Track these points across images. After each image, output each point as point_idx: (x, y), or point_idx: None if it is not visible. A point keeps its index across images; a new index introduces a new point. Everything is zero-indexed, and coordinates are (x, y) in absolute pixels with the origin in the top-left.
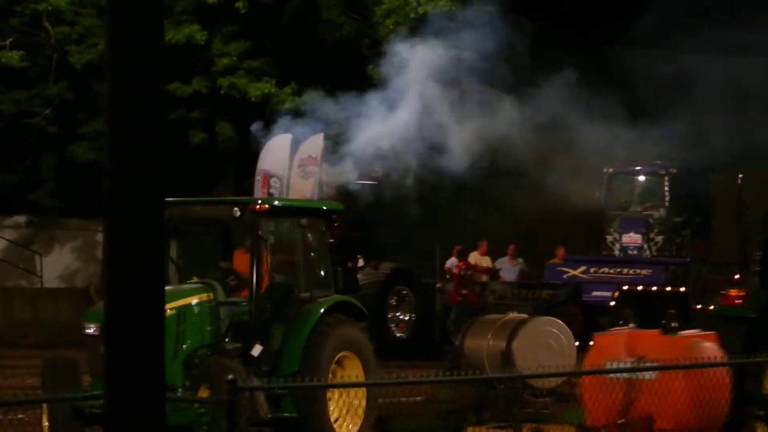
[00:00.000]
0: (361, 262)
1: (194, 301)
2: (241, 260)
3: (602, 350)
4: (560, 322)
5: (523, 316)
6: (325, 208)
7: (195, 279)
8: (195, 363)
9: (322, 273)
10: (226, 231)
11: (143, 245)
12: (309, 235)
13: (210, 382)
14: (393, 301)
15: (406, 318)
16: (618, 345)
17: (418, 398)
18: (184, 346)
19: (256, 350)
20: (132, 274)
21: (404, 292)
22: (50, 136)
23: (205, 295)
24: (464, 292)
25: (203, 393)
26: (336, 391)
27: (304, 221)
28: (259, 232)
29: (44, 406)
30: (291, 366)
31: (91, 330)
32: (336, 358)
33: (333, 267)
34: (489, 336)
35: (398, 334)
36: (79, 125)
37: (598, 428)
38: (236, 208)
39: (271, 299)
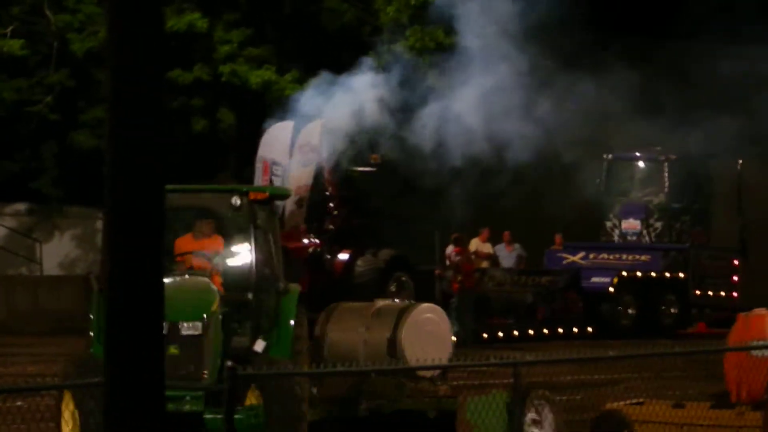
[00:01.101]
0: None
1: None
2: (191, 245)
3: (747, 329)
4: (439, 308)
5: (399, 303)
6: (282, 194)
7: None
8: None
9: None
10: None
11: (143, 233)
12: (274, 222)
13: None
14: (392, 288)
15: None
16: (763, 323)
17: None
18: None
19: (260, 345)
20: (132, 262)
21: (403, 278)
22: (51, 124)
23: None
24: (459, 278)
25: (252, 399)
26: None
27: (275, 208)
28: (258, 222)
29: (67, 395)
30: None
31: (188, 330)
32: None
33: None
34: (362, 326)
35: None
36: (80, 113)
37: (742, 405)
38: (236, 197)
39: (266, 292)
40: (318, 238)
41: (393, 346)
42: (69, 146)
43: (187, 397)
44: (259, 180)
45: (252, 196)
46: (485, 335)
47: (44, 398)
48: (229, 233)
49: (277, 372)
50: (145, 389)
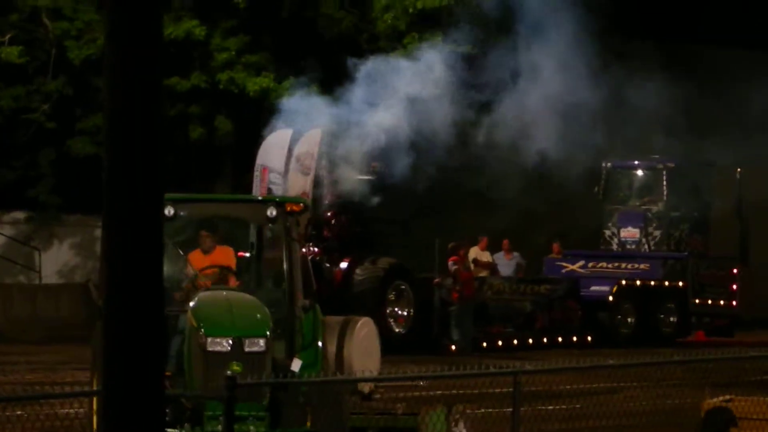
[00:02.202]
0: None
1: None
2: (196, 261)
3: None
4: (371, 320)
5: (336, 317)
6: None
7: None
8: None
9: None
10: (248, 231)
11: (142, 240)
12: (301, 236)
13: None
14: (392, 296)
15: (405, 313)
16: None
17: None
18: None
19: (296, 365)
20: (131, 270)
21: (403, 287)
22: (49, 132)
23: None
24: (458, 288)
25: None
26: None
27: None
28: (293, 235)
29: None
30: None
31: (218, 347)
32: None
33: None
34: None
35: (397, 329)
36: (78, 120)
37: None
38: (272, 208)
39: (299, 308)
40: (317, 247)
41: (340, 360)
42: (67, 154)
43: (250, 418)
44: (258, 188)
45: (288, 207)
46: (484, 344)
47: (43, 407)
48: (260, 245)
49: (282, 381)
50: (143, 398)
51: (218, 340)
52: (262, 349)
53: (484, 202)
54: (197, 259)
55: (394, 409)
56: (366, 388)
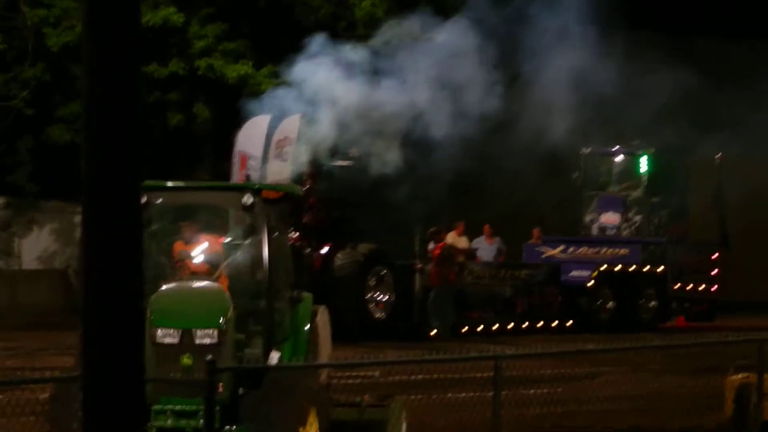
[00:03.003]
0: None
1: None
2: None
3: None
4: (326, 308)
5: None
6: (295, 193)
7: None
8: None
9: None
10: (219, 220)
11: (121, 227)
12: (287, 224)
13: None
14: (372, 282)
15: (385, 299)
16: None
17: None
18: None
19: (274, 358)
20: (110, 256)
21: (383, 272)
22: (27, 119)
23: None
24: (444, 271)
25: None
26: None
27: (286, 208)
28: (273, 223)
29: None
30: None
31: (167, 338)
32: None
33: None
34: None
35: (377, 315)
36: (56, 107)
37: None
38: (248, 195)
39: (279, 300)
40: (297, 233)
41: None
42: (45, 141)
43: (201, 412)
44: (236, 174)
45: (265, 194)
46: (465, 329)
47: (24, 392)
48: (238, 234)
49: (260, 366)
50: (123, 384)
51: (167, 331)
52: (215, 341)
53: (465, 187)
54: (181, 249)
55: (362, 400)
56: (322, 376)
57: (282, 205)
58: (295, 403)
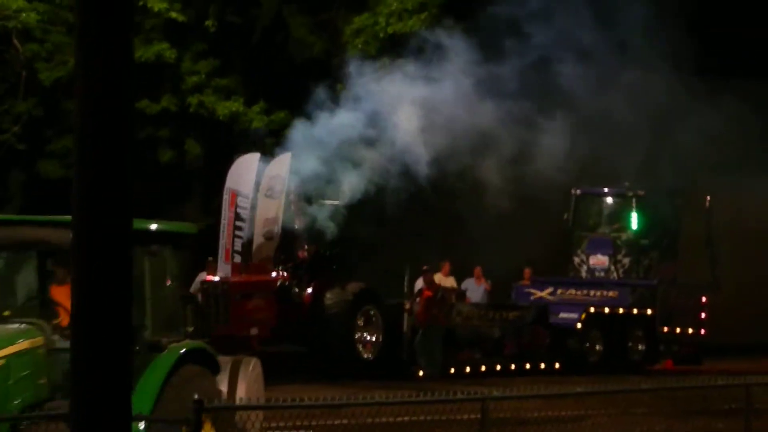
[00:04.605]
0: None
1: (24, 347)
2: (59, 295)
3: None
4: (259, 361)
5: (224, 357)
6: (178, 231)
7: (6, 313)
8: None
9: (171, 312)
10: (47, 257)
11: (110, 262)
12: (157, 265)
13: None
14: (360, 322)
15: (374, 339)
16: None
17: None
18: (10, 406)
19: None
20: (99, 291)
21: (372, 312)
22: (19, 153)
23: (37, 339)
24: (435, 312)
25: None
26: None
27: (154, 248)
28: (142, 265)
29: None
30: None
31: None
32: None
33: (181, 305)
34: None
35: (365, 355)
36: (48, 142)
37: None
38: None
39: None
40: (286, 271)
41: (233, 400)
42: (36, 175)
43: None
44: (227, 211)
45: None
46: (452, 370)
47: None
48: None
49: (246, 406)
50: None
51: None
52: None
53: (454, 227)
54: (58, 291)
55: None
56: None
57: (164, 244)
58: None
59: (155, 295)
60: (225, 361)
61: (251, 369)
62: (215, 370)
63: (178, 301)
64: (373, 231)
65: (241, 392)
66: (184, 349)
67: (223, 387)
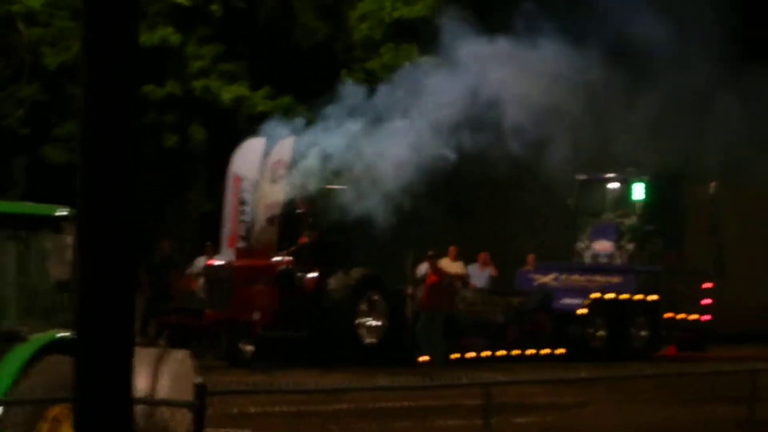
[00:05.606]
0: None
1: None
2: None
3: None
4: (188, 354)
5: (149, 350)
6: (53, 214)
7: None
8: None
9: (43, 299)
10: None
11: (114, 245)
12: (25, 249)
13: None
14: (364, 307)
15: (377, 324)
16: None
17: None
18: None
19: None
20: (103, 274)
21: (375, 298)
22: (22, 138)
23: None
24: (439, 298)
25: None
26: None
27: (19, 231)
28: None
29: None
30: None
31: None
32: (49, 416)
33: (61, 292)
34: None
35: (368, 341)
36: (52, 127)
37: None
38: None
39: None
40: (289, 256)
41: (151, 396)
42: (40, 160)
43: None
44: (230, 196)
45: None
46: (455, 355)
47: None
48: None
49: (248, 390)
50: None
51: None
52: None
53: (459, 212)
54: None
55: None
56: (180, 429)
57: (34, 228)
58: None
59: (20, 282)
60: (147, 353)
61: (179, 363)
62: None
63: (53, 288)
64: (376, 216)
65: (163, 388)
66: (47, 340)
67: (142, 382)
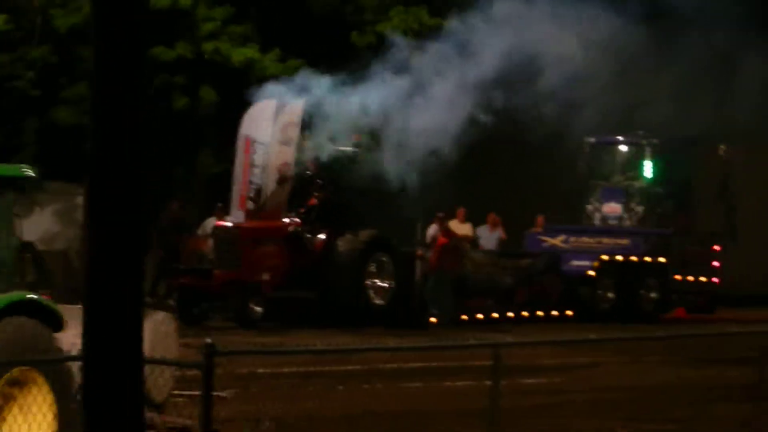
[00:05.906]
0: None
1: None
2: None
3: None
4: (170, 316)
5: None
6: (19, 174)
7: None
8: None
9: (6, 260)
10: None
11: (124, 209)
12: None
13: None
14: (372, 269)
15: (385, 285)
16: None
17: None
18: None
19: None
20: (112, 238)
21: (384, 259)
22: (33, 100)
23: None
24: (446, 259)
25: None
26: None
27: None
28: None
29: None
30: None
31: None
32: (10, 377)
33: (17, 253)
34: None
35: (377, 302)
36: (62, 89)
37: None
38: None
39: None
40: (298, 218)
41: None
42: (50, 122)
43: None
44: (241, 157)
45: None
46: (464, 317)
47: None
48: None
49: (261, 351)
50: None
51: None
52: None
53: (468, 174)
54: None
55: (190, 427)
56: (159, 397)
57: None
58: None
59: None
60: None
61: (160, 324)
62: (55, 324)
63: (9, 249)
64: (386, 178)
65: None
66: (9, 301)
67: None
